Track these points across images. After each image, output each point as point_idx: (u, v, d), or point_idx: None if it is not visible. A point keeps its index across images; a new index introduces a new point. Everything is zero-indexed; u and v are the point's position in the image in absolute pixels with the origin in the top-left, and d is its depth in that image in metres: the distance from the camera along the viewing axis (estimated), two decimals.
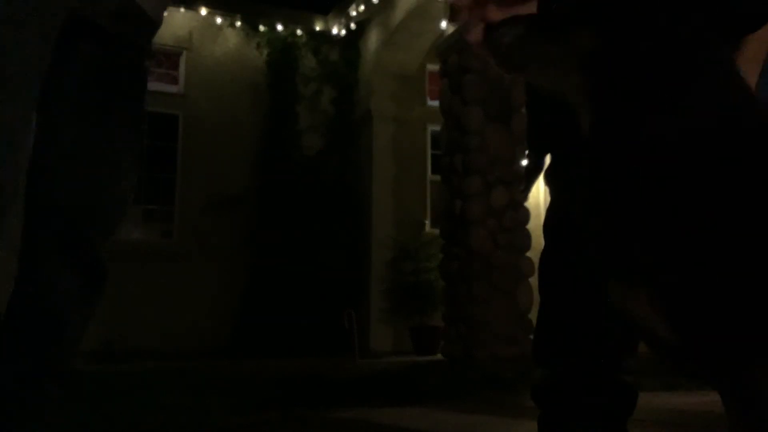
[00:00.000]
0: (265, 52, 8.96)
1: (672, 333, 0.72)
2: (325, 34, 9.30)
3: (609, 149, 0.74)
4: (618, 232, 0.77)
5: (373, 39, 8.91)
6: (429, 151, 8.94)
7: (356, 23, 9.01)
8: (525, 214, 6.36)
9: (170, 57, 8.86)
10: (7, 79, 1.19)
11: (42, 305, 1.32)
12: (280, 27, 9.07)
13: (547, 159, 1.56)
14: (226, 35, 8.95)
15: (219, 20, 8.87)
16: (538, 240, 7.66)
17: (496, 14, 0.92)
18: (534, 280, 6.29)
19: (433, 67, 8.24)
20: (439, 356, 6.74)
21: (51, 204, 1.34)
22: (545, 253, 1.48)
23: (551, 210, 1.50)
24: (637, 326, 0.79)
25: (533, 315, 6.18)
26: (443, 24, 7.01)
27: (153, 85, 8.72)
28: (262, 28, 9.03)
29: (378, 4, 8.42)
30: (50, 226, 1.33)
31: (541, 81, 0.89)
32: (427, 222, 8.69)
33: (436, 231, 7.15)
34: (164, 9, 1.47)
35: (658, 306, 0.72)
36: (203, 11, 8.72)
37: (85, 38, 1.32)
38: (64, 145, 1.34)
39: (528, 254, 6.27)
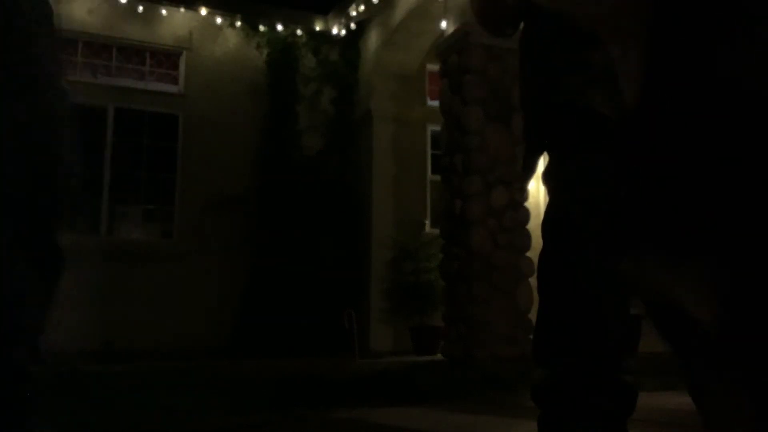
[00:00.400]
0: (265, 52, 8.97)
1: (719, 318, 0.62)
2: (325, 34, 9.30)
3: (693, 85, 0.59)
4: (678, 195, 0.63)
5: (373, 39, 8.91)
6: (429, 151, 8.94)
7: (356, 23, 9.01)
8: (525, 214, 6.36)
9: (170, 57, 8.86)
10: None
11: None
12: (280, 27, 9.07)
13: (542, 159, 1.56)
14: (226, 35, 8.95)
15: (219, 20, 8.87)
16: (538, 240, 7.64)
17: None
18: (534, 280, 6.28)
19: (433, 67, 8.24)
20: (439, 356, 6.74)
21: None
22: (544, 253, 1.48)
23: (549, 210, 1.50)
24: (661, 308, 0.70)
25: (533, 315, 6.18)
26: (443, 24, 7.01)
27: (153, 85, 8.73)
28: (262, 28, 9.03)
29: (378, 4, 8.42)
30: None
31: (576, 9, 0.72)
32: (427, 222, 8.69)
33: (436, 231, 7.15)
34: None
35: (711, 287, 0.62)
36: (203, 11, 8.72)
37: None
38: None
39: (528, 254, 6.27)
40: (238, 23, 8.94)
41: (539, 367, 1.46)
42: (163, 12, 8.62)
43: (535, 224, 6.88)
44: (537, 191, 7.63)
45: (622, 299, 1.44)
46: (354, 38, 9.17)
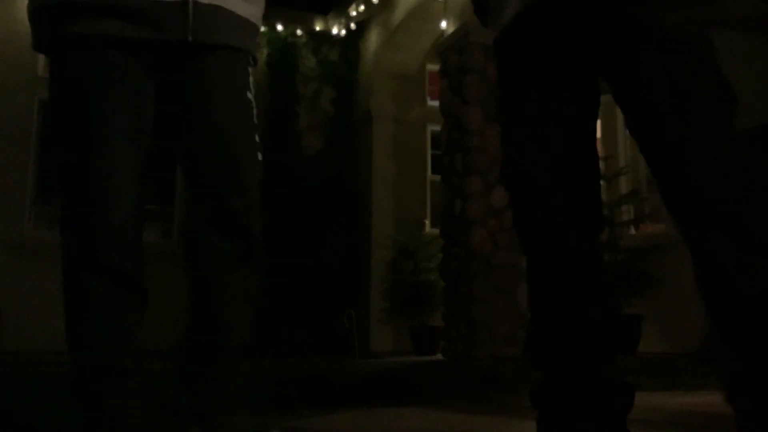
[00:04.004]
0: (265, 52, 8.96)
1: None
2: (325, 34, 9.29)
3: None
4: None
5: (373, 39, 8.91)
6: (429, 151, 8.94)
7: (356, 23, 9.00)
8: None
9: None
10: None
11: (198, 271, 1.54)
12: (280, 27, 9.06)
13: None
14: None
15: None
16: None
17: None
18: None
19: (433, 67, 8.24)
20: (439, 356, 6.74)
21: (199, 181, 1.53)
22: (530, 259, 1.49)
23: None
24: None
25: None
26: (443, 24, 7.01)
27: None
28: (262, 28, 9.01)
29: (378, 4, 8.42)
30: (201, 200, 1.53)
31: None
32: (427, 222, 8.69)
33: (436, 231, 7.15)
34: None
35: None
36: None
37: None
38: (204, 126, 1.51)
39: None
40: None
41: (534, 369, 1.47)
42: None
43: None
44: None
45: (609, 295, 1.46)
46: (354, 38, 9.17)
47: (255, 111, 1.60)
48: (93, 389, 1.45)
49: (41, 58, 8.22)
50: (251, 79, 1.62)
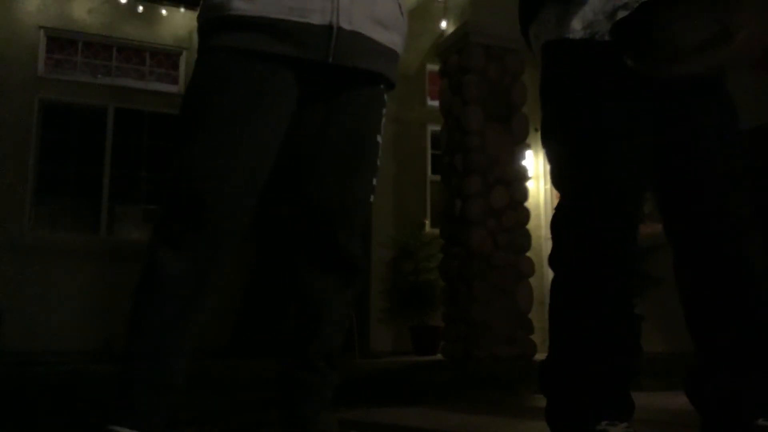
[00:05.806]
0: None
1: None
2: None
3: None
4: None
5: None
6: (429, 151, 8.93)
7: None
8: (525, 214, 6.37)
9: (170, 57, 8.86)
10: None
11: (303, 299, 1.71)
12: None
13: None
14: None
15: None
16: (538, 240, 7.66)
17: None
18: (534, 281, 6.29)
19: (433, 67, 8.24)
20: (439, 356, 6.75)
21: (311, 219, 1.70)
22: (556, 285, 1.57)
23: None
24: None
25: (533, 315, 6.18)
26: (443, 24, 7.01)
27: (153, 85, 8.73)
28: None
29: None
30: (305, 234, 1.70)
31: None
32: (427, 222, 8.68)
33: (436, 231, 7.15)
34: None
35: None
36: None
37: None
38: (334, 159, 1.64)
39: (528, 254, 6.27)
40: None
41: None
42: (163, 12, 8.61)
43: (535, 224, 6.89)
44: (537, 191, 7.63)
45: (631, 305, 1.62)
46: None
47: (380, 152, 1.70)
48: (132, 376, 1.47)
49: (41, 58, 8.22)
50: (384, 120, 1.72)
